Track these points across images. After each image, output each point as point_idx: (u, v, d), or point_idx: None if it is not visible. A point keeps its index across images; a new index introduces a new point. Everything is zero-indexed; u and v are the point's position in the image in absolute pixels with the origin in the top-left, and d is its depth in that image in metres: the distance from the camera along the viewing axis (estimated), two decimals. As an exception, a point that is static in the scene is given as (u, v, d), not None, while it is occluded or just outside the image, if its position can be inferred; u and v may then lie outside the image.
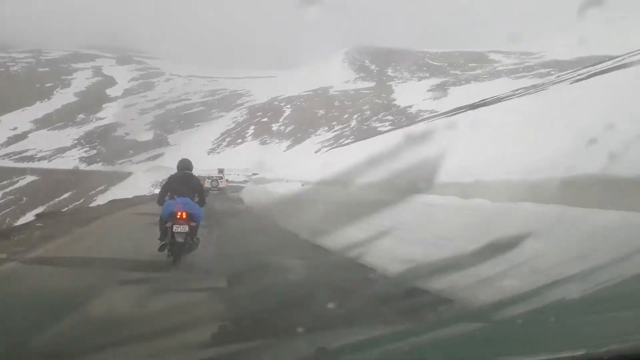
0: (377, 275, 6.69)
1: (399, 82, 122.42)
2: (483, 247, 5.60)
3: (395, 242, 8.14)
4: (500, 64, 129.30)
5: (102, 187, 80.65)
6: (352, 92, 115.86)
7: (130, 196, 37.66)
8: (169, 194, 7.96)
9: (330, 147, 61.81)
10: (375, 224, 9.39)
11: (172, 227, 7.39)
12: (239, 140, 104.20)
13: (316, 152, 76.39)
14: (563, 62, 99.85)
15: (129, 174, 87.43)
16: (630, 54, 18.89)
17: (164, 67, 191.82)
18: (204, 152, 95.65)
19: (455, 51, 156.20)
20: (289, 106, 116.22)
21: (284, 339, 2.92)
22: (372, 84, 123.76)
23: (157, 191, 10.30)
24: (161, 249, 7.61)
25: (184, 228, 7.41)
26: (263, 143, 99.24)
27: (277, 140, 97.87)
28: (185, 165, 8.28)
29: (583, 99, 10.83)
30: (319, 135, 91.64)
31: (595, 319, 1.90)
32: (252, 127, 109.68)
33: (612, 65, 15.81)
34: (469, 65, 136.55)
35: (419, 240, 7.73)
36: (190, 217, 7.54)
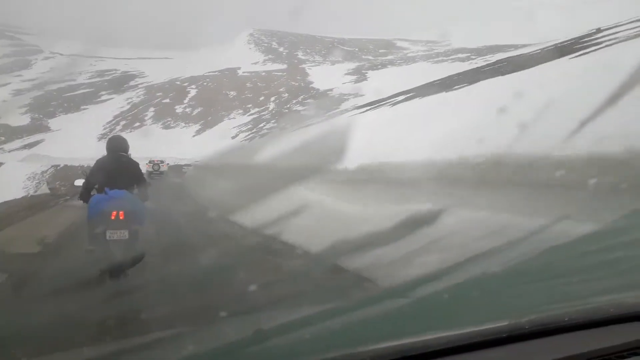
0: (299, 253, 6.82)
1: (312, 65, 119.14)
2: (402, 223, 6.00)
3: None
4: (410, 50, 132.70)
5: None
6: (263, 73, 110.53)
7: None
8: (96, 186, 5.75)
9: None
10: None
11: (104, 234, 5.32)
12: (137, 124, 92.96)
13: (233, 137, 68.58)
14: (470, 50, 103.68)
15: (-2, 164, 73.22)
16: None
17: (43, 44, 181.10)
18: (93, 138, 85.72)
19: (363, 38, 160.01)
20: (193, 86, 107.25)
21: (207, 324, 2.70)
22: (284, 66, 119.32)
23: (78, 182, 6.50)
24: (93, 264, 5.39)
25: (123, 234, 5.40)
26: (166, 127, 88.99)
27: (183, 124, 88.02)
28: (118, 145, 5.92)
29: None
30: (234, 118, 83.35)
31: (515, 290, 2.01)
32: (152, 108, 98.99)
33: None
34: (379, 51, 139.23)
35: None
36: (131, 218, 5.42)
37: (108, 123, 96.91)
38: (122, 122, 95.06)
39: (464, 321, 1.65)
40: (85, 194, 5.88)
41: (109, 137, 6.37)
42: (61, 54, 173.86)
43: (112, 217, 5.42)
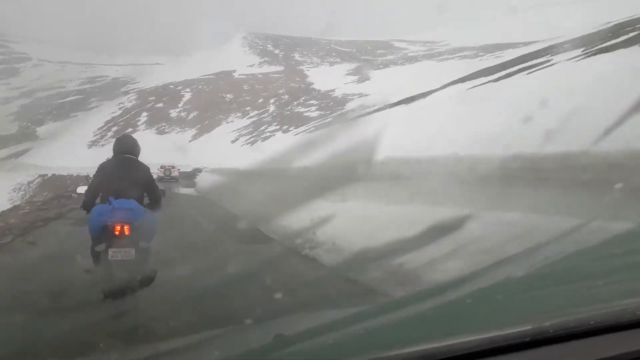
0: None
1: (310, 67, 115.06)
2: (427, 229, 6.09)
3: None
4: (409, 50, 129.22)
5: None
6: (260, 75, 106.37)
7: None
8: (100, 194, 4.93)
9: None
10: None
11: (107, 252, 4.48)
12: (129, 130, 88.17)
13: (233, 141, 64.59)
14: (471, 48, 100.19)
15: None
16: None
17: (31, 51, 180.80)
18: (83, 146, 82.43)
19: (359, 40, 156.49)
20: (187, 90, 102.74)
21: (233, 330, 2.70)
22: (281, 68, 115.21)
23: (81, 190, 5.48)
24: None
25: (128, 253, 4.50)
26: (161, 132, 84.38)
27: (178, 129, 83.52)
28: (126, 147, 5.12)
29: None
30: (232, 122, 79.11)
31: (539, 294, 2.00)
32: (145, 113, 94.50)
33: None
34: (378, 52, 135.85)
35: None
36: (138, 233, 4.58)
37: (99, 129, 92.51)
38: (114, 128, 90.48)
39: (488, 326, 1.63)
40: (88, 203, 5.04)
41: (117, 137, 5.60)
42: (50, 61, 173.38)
43: (116, 233, 4.59)
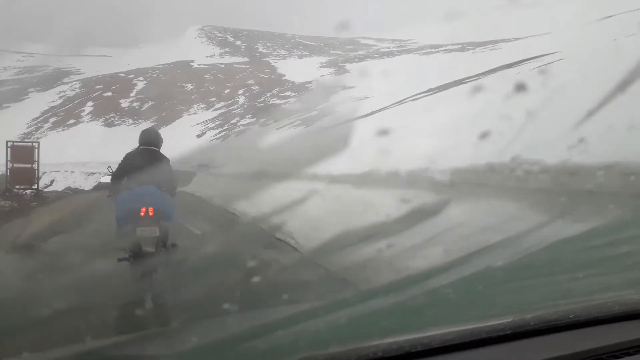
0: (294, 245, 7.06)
1: (277, 59, 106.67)
2: (406, 215, 5.96)
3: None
4: (379, 47, 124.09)
5: None
6: (223, 66, 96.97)
7: None
8: (124, 181, 5.88)
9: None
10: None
11: (134, 231, 5.37)
12: (72, 121, 76.49)
13: (199, 136, 54.80)
14: (442, 46, 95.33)
15: None
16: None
17: None
18: (14, 138, 67.55)
19: (322, 36, 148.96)
20: (141, 78, 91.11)
21: (210, 317, 2.76)
22: (245, 59, 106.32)
23: (105, 179, 6.60)
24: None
25: (153, 230, 5.43)
26: (109, 125, 72.99)
27: (130, 121, 72.24)
28: (149, 139, 6.16)
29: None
30: (195, 114, 69.12)
31: (520, 285, 2.02)
32: (91, 103, 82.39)
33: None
34: (346, 47, 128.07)
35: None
36: (160, 214, 5.51)
37: (34, 120, 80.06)
38: (52, 119, 78.35)
39: (469, 317, 1.64)
40: (112, 190, 5.94)
41: (142, 130, 6.45)
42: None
43: (142, 214, 5.43)
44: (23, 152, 22.99)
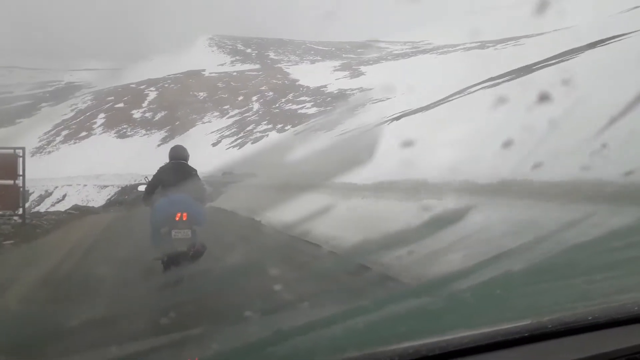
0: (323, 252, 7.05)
1: (289, 64, 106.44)
2: (428, 222, 6.10)
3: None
4: (392, 49, 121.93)
5: None
6: (235, 73, 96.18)
7: None
8: (158, 190, 6.62)
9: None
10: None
11: (169, 234, 5.97)
12: (83, 134, 75.46)
13: (215, 144, 53.15)
14: (459, 45, 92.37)
15: None
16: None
17: None
18: (26, 154, 66.04)
19: (333, 40, 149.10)
20: (152, 89, 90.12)
21: (232, 324, 2.77)
22: (257, 66, 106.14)
23: (141, 188, 7.33)
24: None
25: (186, 233, 6.04)
26: (122, 136, 71.93)
27: (143, 132, 71.13)
28: (179, 154, 6.86)
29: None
30: (209, 122, 67.59)
31: (538, 289, 2.03)
32: (102, 115, 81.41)
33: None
34: (358, 50, 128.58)
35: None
36: (193, 219, 6.13)
37: (45, 134, 79.08)
38: (64, 132, 77.50)
39: (487, 320, 1.66)
40: (147, 197, 6.67)
41: (172, 147, 7.11)
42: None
43: (177, 219, 6.06)
44: (1, 164, 14.87)
